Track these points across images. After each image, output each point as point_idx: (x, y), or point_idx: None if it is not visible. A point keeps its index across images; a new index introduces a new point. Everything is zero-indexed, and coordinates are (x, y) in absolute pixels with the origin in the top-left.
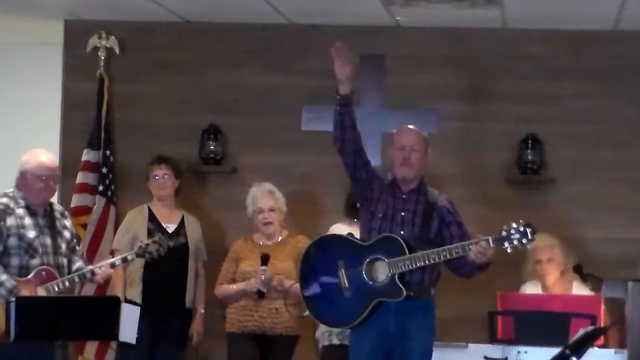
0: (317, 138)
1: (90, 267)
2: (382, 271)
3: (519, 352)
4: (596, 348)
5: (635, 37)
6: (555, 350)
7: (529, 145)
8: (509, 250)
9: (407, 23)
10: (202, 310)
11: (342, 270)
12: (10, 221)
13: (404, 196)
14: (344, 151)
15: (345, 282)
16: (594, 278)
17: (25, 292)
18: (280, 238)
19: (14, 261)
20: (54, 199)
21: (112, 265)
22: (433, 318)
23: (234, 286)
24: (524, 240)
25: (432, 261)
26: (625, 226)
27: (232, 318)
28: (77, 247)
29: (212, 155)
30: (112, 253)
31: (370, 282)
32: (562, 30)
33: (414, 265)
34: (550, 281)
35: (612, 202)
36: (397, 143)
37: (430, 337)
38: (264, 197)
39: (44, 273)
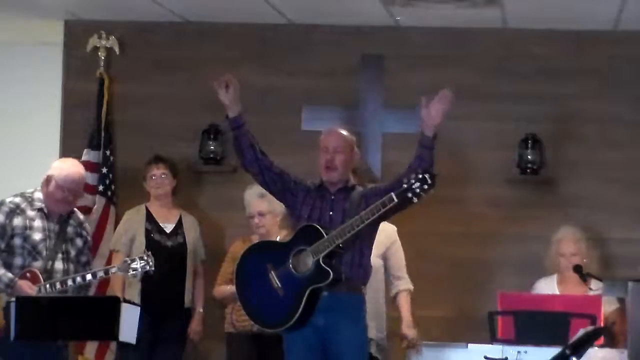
0: (317, 138)
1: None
2: (308, 260)
3: (519, 352)
4: (596, 347)
5: (635, 37)
6: (555, 350)
7: (529, 145)
8: (415, 201)
9: (407, 23)
10: (201, 310)
11: (272, 272)
12: (17, 221)
13: (332, 197)
14: (252, 173)
15: (277, 282)
16: (594, 278)
17: (24, 286)
18: (278, 238)
19: (17, 261)
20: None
21: (94, 276)
22: (363, 314)
23: (231, 287)
24: (425, 186)
25: (348, 234)
26: (625, 226)
27: (231, 318)
28: (89, 261)
29: (212, 155)
30: (111, 254)
31: (299, 274)
32: (562, 30)
33: (333, 244)
34: (570, 275)
35: (612, 202)
36: (321, 146)
37: (360, 333)
38: (254, 202)
39: (28, 274)
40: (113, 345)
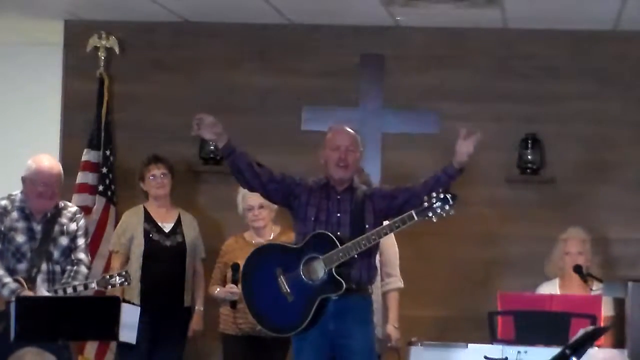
0: (317, 138)
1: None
2: (320, 269)
3: (519, 352)
4: (596, 348)
5: (635, 37)
6: (555, 350)
7: (529, 145)
8: (434, 220)
9: (407, 23)
10: (202, 308)
11: (281, 276)
12: (6, 222)
13: (338, 197)
14: (255, 189)
15: (286, 287)
16: (594, 278)
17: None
18: (272, 235)
19: (4, 263)
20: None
21: (74, 289)
22: (372, 316)
23: (217, 291)
24: (447, 207)
25: (363, 247)
26: (625, 226)
27: (226, 320)
28: (77, 248)
29: (212, 155)
30: (111, 254)
31: (310, 282)
32: (562, 30)
33: (347, 256)
34: (573, 278)
35: (611, 202)
36: (332, 144)
37: (370, 334)
38: (254, 195)
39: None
40: (113, 345)
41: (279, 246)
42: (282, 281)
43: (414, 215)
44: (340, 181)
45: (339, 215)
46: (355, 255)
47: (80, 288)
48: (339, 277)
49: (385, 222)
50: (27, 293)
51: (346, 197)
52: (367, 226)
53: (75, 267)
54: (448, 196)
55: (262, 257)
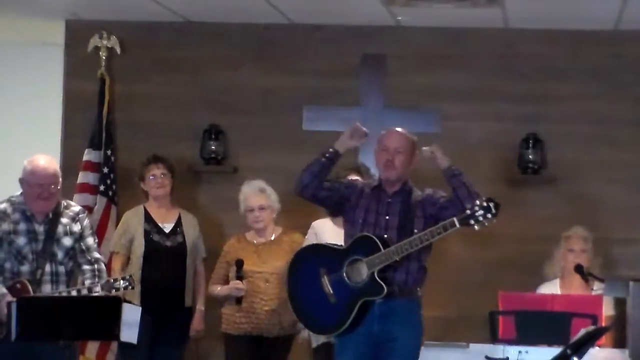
0: (318, 138)
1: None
2: (363, 271)
3: (520, 352)
4: (597, 347)
5: (635, 37)
6: (556, 350)
7: (530, 145)
8: (476, 228)
9: (407, 23)
10: (202, 308)
11: (325, 277)
12: (4, 226)
13: (389, 200)
14: (304, 196)
15: (329, 288)
16: (595, 278)
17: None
18: (274, 236)
19: (7, 265)
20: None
21: (78, 292)
22: (419, 318)
23: (220, 289)
24: (489, 215)
25: (405, 252)
26: (626, 226)
27: (228, 319)
28: (89, 248)
29: (213, 155)
30: (112, 255)
31: (353, 284)
32: (562, 30)
33: (389, 260)
34: (573, 278)
35: (612, 202)
36: (382, 145)
37: (416, 338)
38: (255, 196)
39: (18, 285)
40: (114, 346)
41: (325, 247)
42: (326, 282)
43: (456, 222)
44: (388, 182)
45: (387, 217)
46: (397, 259)
47: (84, 291)
48: (380, 281)
49: None
50: (8, 298)
51: (397, 200)
52: (415, 231)
53: (96, 266)
54: (491, 205)
55: (307, 257)
